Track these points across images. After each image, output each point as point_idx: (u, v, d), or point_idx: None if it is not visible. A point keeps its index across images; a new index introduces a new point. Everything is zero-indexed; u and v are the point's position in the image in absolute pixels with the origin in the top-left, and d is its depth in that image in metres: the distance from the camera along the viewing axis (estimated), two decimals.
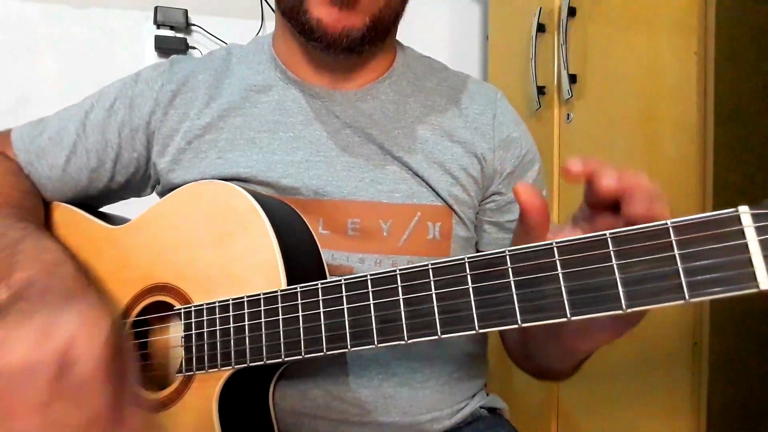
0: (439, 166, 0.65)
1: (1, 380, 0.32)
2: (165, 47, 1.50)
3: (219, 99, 0.67)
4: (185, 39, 1.52)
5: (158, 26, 1.50)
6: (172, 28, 1.51)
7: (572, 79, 1.22)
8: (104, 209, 0.75)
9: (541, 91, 1.33)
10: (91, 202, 0.72)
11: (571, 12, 1.22)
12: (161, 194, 0.71)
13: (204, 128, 0.65)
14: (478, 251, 0.71)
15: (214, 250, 0.54)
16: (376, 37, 0.63)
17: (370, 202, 0.63)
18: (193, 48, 1.55)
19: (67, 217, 0.67)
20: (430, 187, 0.65)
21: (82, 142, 0.68)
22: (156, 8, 1.48)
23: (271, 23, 1.59)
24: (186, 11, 1.51)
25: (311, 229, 0.58)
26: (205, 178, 0.63)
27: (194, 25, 1.55)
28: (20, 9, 1.44)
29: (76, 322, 0.34)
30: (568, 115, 1.26)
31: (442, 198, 0.65)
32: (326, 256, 0.61)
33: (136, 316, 0.58)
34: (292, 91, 0.67)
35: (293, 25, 0.63)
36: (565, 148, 1.28)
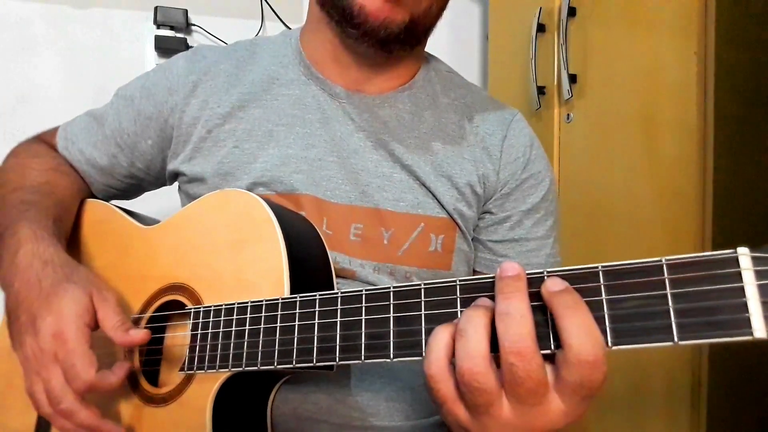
0: (447, 179, 0.65)
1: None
2: (165, 47, 1.49)
3: (239, 86, 0.68)
4: (185, 39, 1.52)
5: (158, 26, 1.49)
6: (172, 28, 1.51)
7: (572, 79, 1.22)
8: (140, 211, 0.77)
9: (541, 91, 1.33)
10: (121, 194, 0.77)
11: (571, 12, 1.22)
12: (182, 185, 0.72)
13: (224, 117, 0.67)
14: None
15: (228, 255, 0.56)
16: (408, 41, 0.63)
17: (374, 209, 0.63)
18: None
19: (105, 215, 0.72)
20: (436, 199, 0.64)
21: (102, 130, 0.72)
22: (156, 8, 1.48)
23: (270, 23, 1.59)
24: (186, 11, 1.51)
25: (326, 247, 0.59)
26: (223, 168, 0.65)
27: (194, 25, 1.55)
28: (20, 9, 1.44)
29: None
30: (568, 115, 1.26)
31: (446, 211, 0.65)
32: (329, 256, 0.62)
33: (154, 312, 0.60)
34: (312, 88, 0.68)
35: (331, 13, 0.63)
36: (565, 148, 1.28)
